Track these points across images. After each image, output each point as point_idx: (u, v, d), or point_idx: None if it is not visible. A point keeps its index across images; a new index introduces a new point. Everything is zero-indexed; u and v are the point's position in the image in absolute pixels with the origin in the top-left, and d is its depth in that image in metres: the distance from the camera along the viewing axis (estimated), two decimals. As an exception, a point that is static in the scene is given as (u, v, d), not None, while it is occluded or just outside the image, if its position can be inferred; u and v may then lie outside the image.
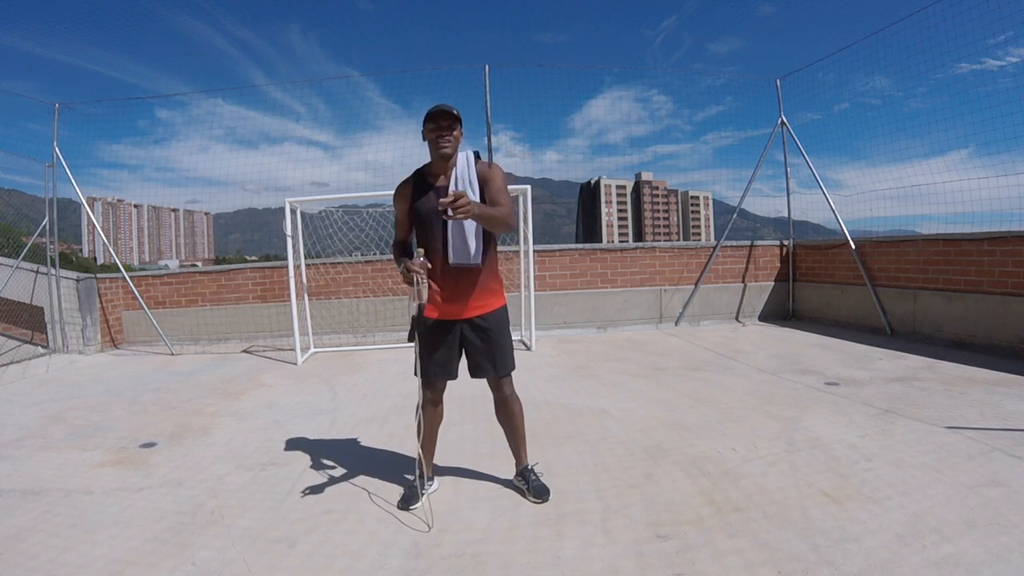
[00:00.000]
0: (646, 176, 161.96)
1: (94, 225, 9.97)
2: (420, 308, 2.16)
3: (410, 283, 2.13)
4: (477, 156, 2.32)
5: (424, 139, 2.26)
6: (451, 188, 2.23)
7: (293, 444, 3.26)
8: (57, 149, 6.82)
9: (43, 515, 2.43)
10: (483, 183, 2.25)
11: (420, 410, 2.40)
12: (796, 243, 7.67)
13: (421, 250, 2.19)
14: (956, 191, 5.44)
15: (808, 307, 7.40)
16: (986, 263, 5.18)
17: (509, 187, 2.38)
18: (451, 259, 2.22)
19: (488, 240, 2.30)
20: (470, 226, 2.21)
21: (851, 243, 6.61)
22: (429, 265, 2.18)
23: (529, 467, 2.50)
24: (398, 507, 2.37)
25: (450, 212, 1.87)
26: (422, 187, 2.30)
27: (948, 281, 5.55)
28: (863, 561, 1.84)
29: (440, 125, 2.18)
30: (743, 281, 7.59)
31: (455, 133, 2.21)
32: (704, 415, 3.51)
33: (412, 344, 2.31)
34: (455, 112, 2.19)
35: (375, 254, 7.12)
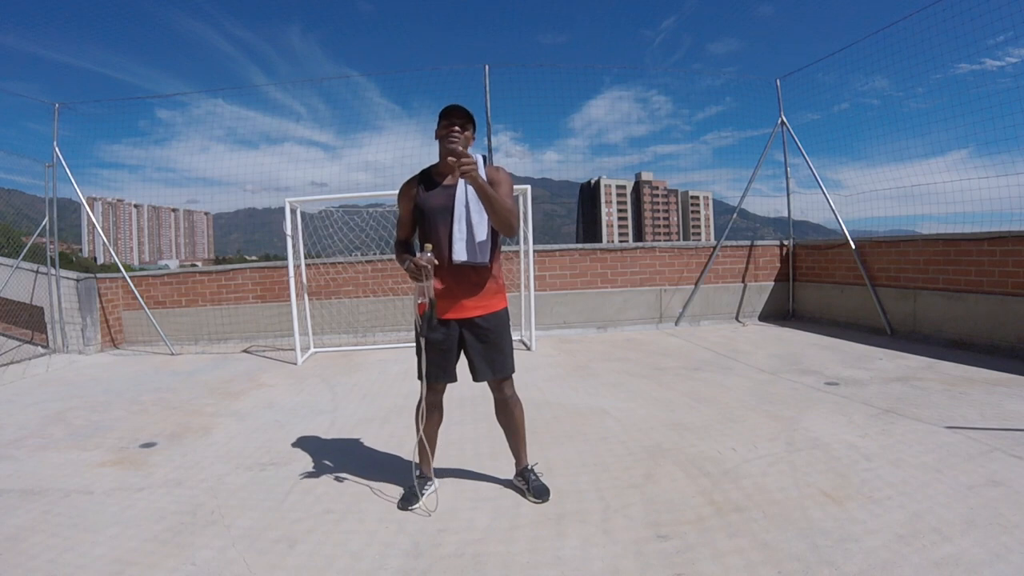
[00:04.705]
0: (646, 176, 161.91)
1: (94, 225, 9.97)
2: (431, 303, 2.16)
3: (418, 279, 2.13)
4: (485, 160, 2.33)
5: (436, 137, 2.27)
6: (459, 185, 2.24)
7: (293, 444, 3.26)
8: (57, 149, 6.82)
9: (43, 515, 2.43)
10: (490, 185, 2.25)
11: (420, 411, 2.40)
12: (796, 243, 7.67)
13: (429, 245, 2.18)
14: (956, 191, 5.45)
15: (808, 307, 7.40)
16: (986, 263, 5.17)
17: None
18: (454, 257, 2.22)
19: (492, 240, 2.31)
20: (476, 224, 2.22)
21: (851, 243, 6.61)
22: (436, 261, 2.18)
23: (529, 467, 2.50)
24: (398, 507, 2.37)
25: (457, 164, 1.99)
26: (429, 185, 2.31)
27: (948, 281, 5.55)
28: (863, 561, 1.84)
29: (453, 122, 2.20)
30: (743, 281, 7.59)
31: (467, 133, 2.22)
32: (704, 415, 3.51)
33: (414, 344, 2.30)
34: (468, 111, 2.22)
35: (375, 254, 7.12)
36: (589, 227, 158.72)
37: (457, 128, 2.19)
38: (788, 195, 7.74)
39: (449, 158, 2.04)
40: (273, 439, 3.37)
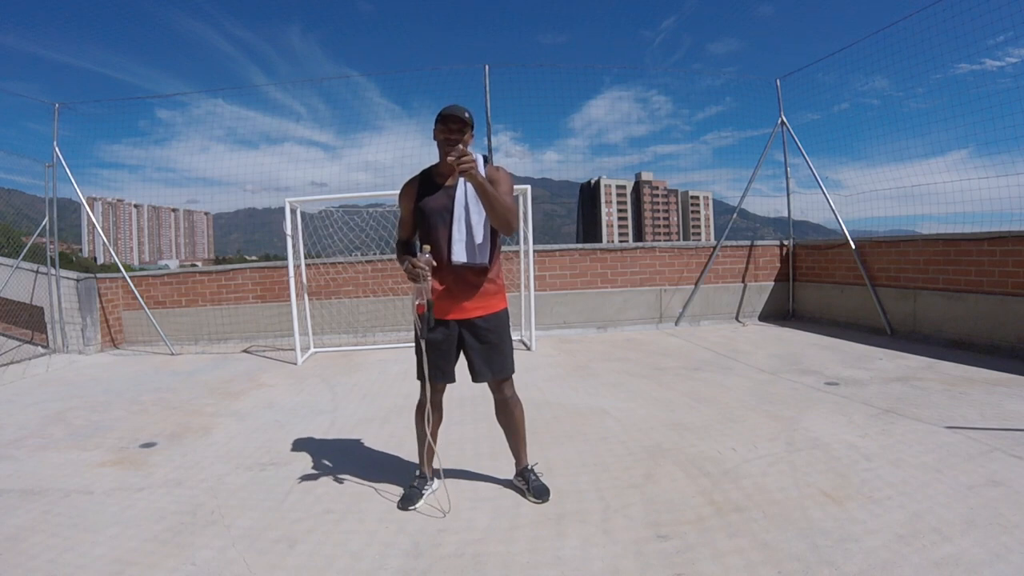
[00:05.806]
0: (646, 176, 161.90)
1: (94, 225, 9.98)
2: (429, 305, 2.16)
3: (415, 280, 2.14)
4: (486, 159, 2.33)
5: (434, 138, 2.26)
6: (459, 186, 2.24)
7: (293, 444, 3.26)
8: (57, 149, 6.82)
9: (43, 515, 2.43)
10: (490, 184, 2.25)
11: (420, 411, 2.40)
12: (796, 243, 7.67)
13: (427, 247, 2.19)
14: (956, 191, 5.45)
15: (808, 307, 7.40)
16: (986, 263, 5.17)
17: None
18: (454, 258, 2.22)
19: (492, 241, 2.31)
20: (475, 225, 2.22)
21: (851, 243, 6.61)
22: (435, 263, 2.18)
23: (529, 467, 2.50)
24: (398, 507, 2.37)
25: (457, 161, 1.98)
26: (429, 186, 2.31)
27: (948, 281, 5.54)
28: (863, 561, 1.84)
29: (449, 128, 2.18)
30: (743, 281, 7.59)
31: (464, 138, 2.20)
32: (704, 415, 3.51)
33: (414, 344, 2.31)
34: (465, 117, 2.18)
35: (375, 254, 7.12)
36: (589, 227, 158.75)
37: (455, 137, 2.18)
38: (788, 195, 7.74)
39: (448, 158, 2.04)
40: (273, 439, 3.37)
